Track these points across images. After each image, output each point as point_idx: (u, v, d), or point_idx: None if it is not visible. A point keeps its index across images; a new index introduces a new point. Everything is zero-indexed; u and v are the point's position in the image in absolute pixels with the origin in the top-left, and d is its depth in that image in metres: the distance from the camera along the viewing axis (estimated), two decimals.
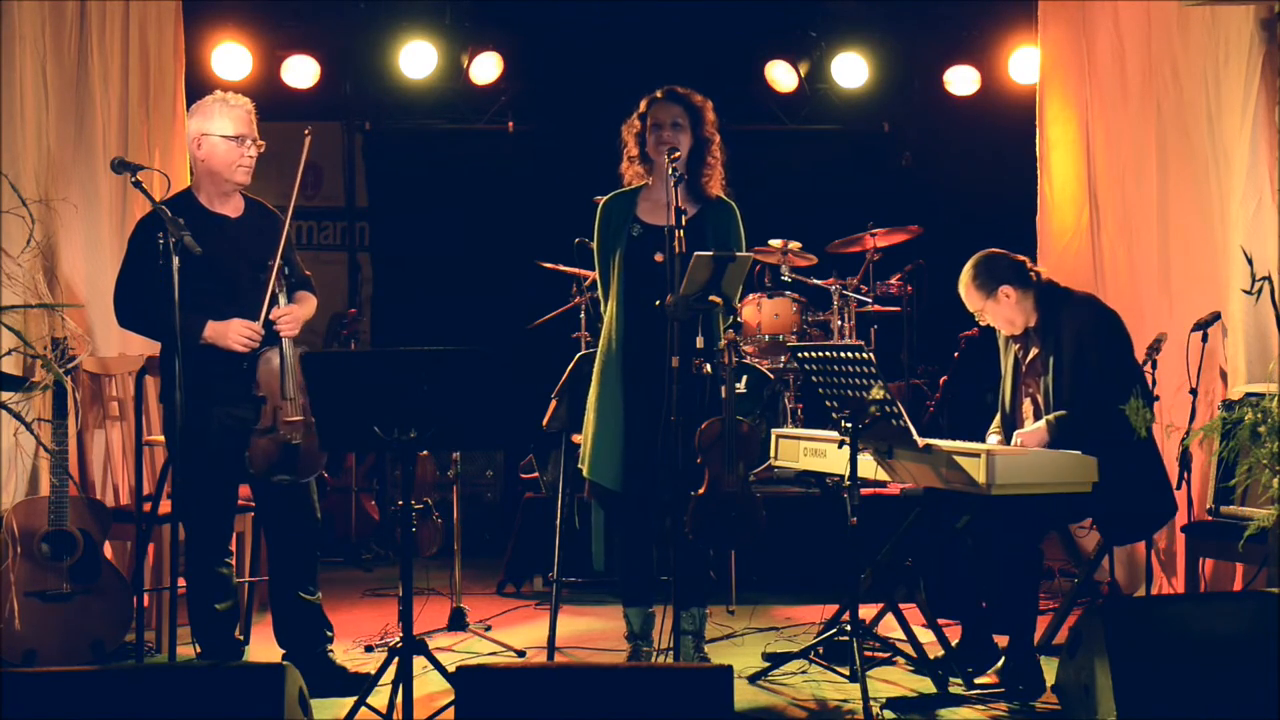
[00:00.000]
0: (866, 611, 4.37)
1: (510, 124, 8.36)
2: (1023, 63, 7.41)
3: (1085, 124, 6.01)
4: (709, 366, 4.28)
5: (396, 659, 3.76)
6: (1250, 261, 3.97)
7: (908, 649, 4.40)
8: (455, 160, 8.57)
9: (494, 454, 7.63)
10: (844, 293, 6.96)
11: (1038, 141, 6.30)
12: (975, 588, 4.47)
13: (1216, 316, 4.94)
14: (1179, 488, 4.87)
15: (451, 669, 3.72)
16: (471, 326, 7.63)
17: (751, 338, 6.68)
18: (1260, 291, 3.90)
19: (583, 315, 6.82)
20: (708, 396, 4.36)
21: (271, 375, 4.31)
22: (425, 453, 7.19)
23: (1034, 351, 4.50)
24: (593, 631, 5.28)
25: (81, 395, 5.13)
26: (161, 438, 4.90)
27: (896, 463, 4.32)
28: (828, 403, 4.29)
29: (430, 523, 6.99)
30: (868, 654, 4.38)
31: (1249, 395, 4.34)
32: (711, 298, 4.18)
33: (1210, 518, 4.69)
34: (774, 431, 4.93)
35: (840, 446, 4.14)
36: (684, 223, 4.17)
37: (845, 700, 4.19)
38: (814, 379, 4.34)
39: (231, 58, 7.32)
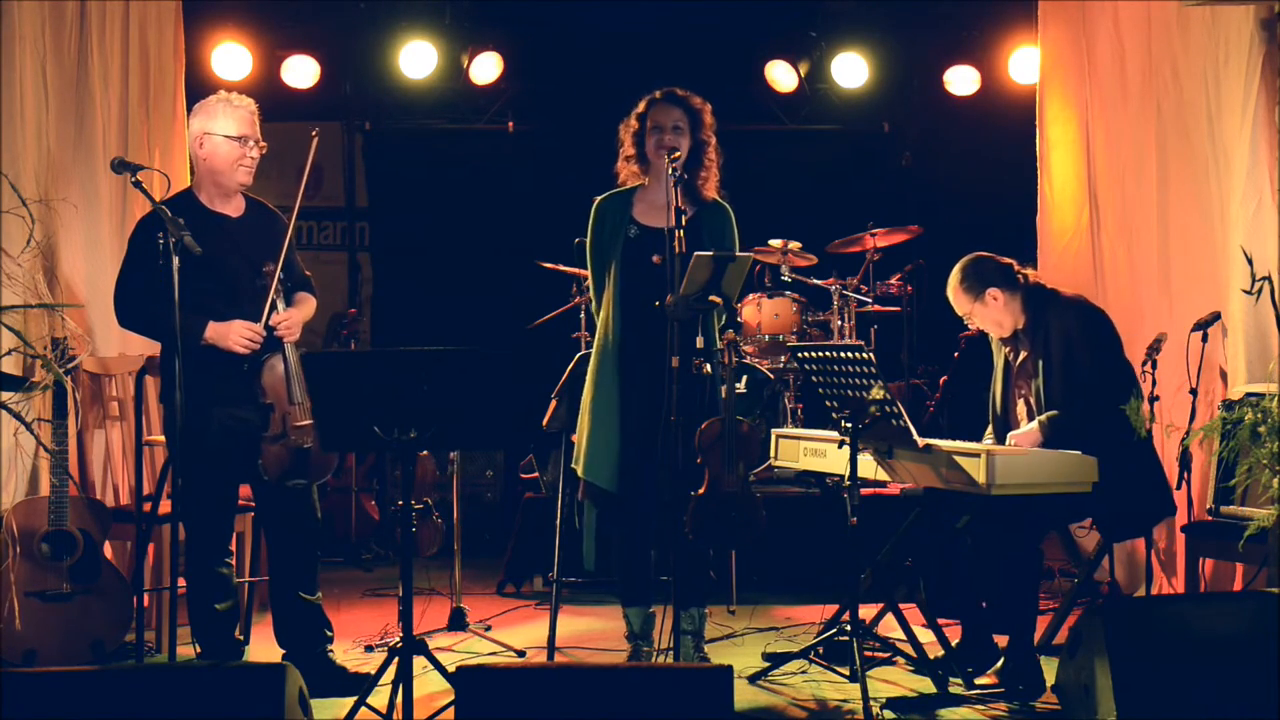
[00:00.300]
0: (866, 611, 4.37)
1: (510, 124, 8.36)
2: (1023, 63, 7.41)
3: (1085, 124, 6.01)
4: (709, 366, 4.28)
5: (396, 659, 3.76)
6: (1250, 261, 3.97)
7: (908, 649, 4.40)
8: (455, 160, 8.57)
9: (494, 454, 7.63)
10: (844, 293, 6.96)
11: (1038, 141, 6.30)
12: (975, 588, 4.47)
13: (1216, 316, 4.94)
14: (1179, 488, 4.87)
15: (451, 669, 3.72)
16: (471, 326, 7.63)
17: (751, 338, 6.68)
18: (1260, 291, 3.91)
19: (583, 315, 6.82)
20: (707, 396, 4.36)
21: (277, 381, 4.30)
22: (425, 453, 7.19)
23: (1024, 354, 4.51)
24: (593, 631, 5.28)
25: (81, 395, 5.13)
26: (161, 438, 4.90)
27: (896, 463, 4.32)
28: (828, 403, 4.29)
29: (430, 523, 6.99)
30: (868, 654, 4.38)
31: (1249, 395, 4.34)
32: (711, 298, 4.19)
33: (1210, 518, 4.69)
34: (774, 431, 4.93)
35: (840, 446, 4.14)
36: (684, 223, 4.17)
37: (845, 700, 4.19)
38: (814, 379, 4.34)
39: (231, 58, 7.32)
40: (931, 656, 4.36)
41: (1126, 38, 5.67)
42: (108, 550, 4.88)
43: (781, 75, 7.98)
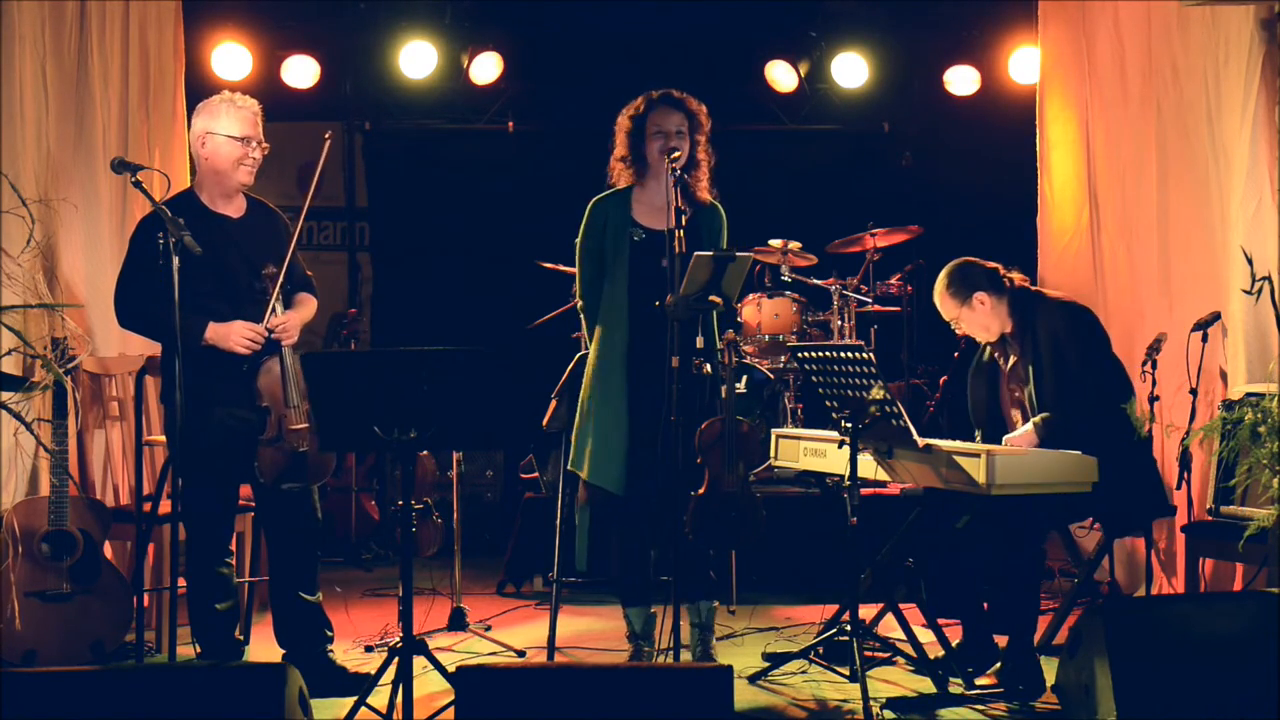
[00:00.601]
0: (866, 611, 4.37)
1: (510, 124, 8.36)
2: (1023, 63, 7.41)
3: (1085, 124, 6.01)
4: (709, 366, 4.28)
5: (396, 659, 3.76)
6: (1250, 261, 3.97)
7: (908, 649, 4.40)
8: (455, 160, 8.57)
9: (494, 454, 7.62)
10: (844, 293, 6.96)
11: (1038, 141, 6.30)
12: (975, 588, 4.47)
13: (1216, 316, 4.94)
14: (1179, 488, 4.87)
15: (451, 669, 3.72)
16: (471, 326, 7.63)
17: (751, 338, 6.68)
18: (1260, 291, 3.91)
19: (583, 315, 6.81)
20: (707, 396, 4.36)
21: (273, 384, 4.30)
22: (425, 453, 7.19)
23: (1014, 358, 4.51)
24: (593, 631, 5.28)
25: (81, 395, 5.13)
26: (162, 438, 4.90)
27: (896, 463, 4.32)
28: (828, 403, 4.29)
29: (430, 523, 6.99)
30: (868, 654, 4.38)
31: (1249, 395, 4.34)
32: (711, 298, 4.19)
33: (1210, 518, 4.69)
34: (774, 431, 4.93)
35: (840, 446, 4.13)
36: (684, 223, 4.18)
37: (845, 700, 4.19)
38: (814, 379, 4.34)
39: (231, 58, 7.32)
40: (931, 656, 4.36)
41: (1126, 38, 5.67)
42: (108, 550, 4.88)
43: (781, 75, 7.98)
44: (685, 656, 4.33)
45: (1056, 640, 4.64)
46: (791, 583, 5.88)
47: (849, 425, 4.10)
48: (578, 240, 4.57)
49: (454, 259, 8.49)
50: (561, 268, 6.90)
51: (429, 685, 4.14)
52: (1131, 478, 4.34)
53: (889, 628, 4.58)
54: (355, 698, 3.85)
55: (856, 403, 4.11)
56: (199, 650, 4.48)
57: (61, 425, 4.62)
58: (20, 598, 4.52)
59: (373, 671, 3.96)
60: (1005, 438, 4.43)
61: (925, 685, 4.27)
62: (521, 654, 4.88)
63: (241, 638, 4.69)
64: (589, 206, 4.55)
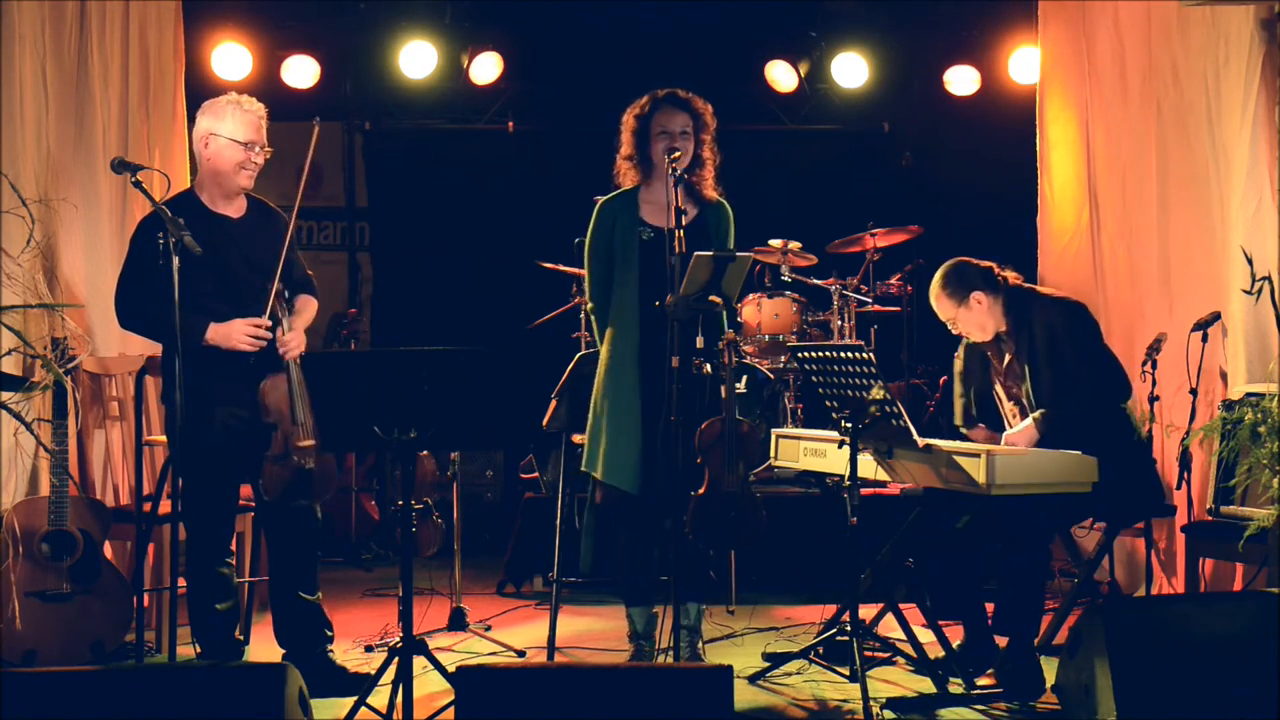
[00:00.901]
0: (866, 611, 4.37)
1: (510, 124, 8.36)
2: (1023, 63, 7.41)
3: (1085, 124, 6.01)
4: (709, 366, 4.28)
5: (396, 659, 3.76)
6: (1250, 261, 3.98)
7: (908, 649, 4.40)
8: (455, 160, 8.57)
9: (494, 454, 7.62)
10: (844, 293, 6.96)
11: (1038, 141, 6.30)
12: (975, 588, 4.47)
13: (1216, 316, 4.94)
14: (1179, 488, 4.87)
15: (451, 669, 3.72)
16: (471, 326, 7.63)
17: (751, 338, 6.68)
18: (1260, 291, 3.91)
19: (583, 315, 6.82)
20: (707, 396, 4.36)
21: (280, 401, 4.28)
22: (425, 453, 7.19)
23: (1009, 356, 4.51)
24: (593, 631, 5.28)
25: (81, 395, 5.13)
26: (162, 438, 4.90)
27: (896, 463, 4.32)
28: (828, 403, 4.29)
29: (430, 523, 6.99)
30: (868, 654, 4.38)
31: (1249, 395, 4.34)
32: (711, 298, 4.19)
33: (1210, 518, 4.69)
34: (774, 431, 4.92)
35: (840, 446, 4.13)
36: (684, 223, 4.19)
37: (845, 700, 4.19)
38: (814, 379, 4.34)
39: (231, 58, 7.32)
40: (931, 656, 4.36)
41: (1126, 38, 5.67)
42: (108, 550, 4.88)
43: (781, 75, 7.98)
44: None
45: (1056, 640, 4.64)
46: (791, 583, 5.87)
47: (849, 425, 4.10)
48: (586, 241, 4.57)
49: (454, 259, 8.49)
50: (561, 268, 6.90)
51: (429, 685, 4.13)
52: (1131, 477, 4.34)
53: (889, 628, 4.58)
54: (355, 698, 3.85)
55: (856, 403, 4.11)
56: (199, 650, 4.47)
57: (61, 425, 4.61)
58: (20, 598, 4.52)
59: (373, 671, 3.96)
60: (1004, 435, 4.43)
61: (925, 685, 4.27)
62: (521, 654, 4.88)
63: (241, 638, 4.69)
64: (597, 207, 4.55)
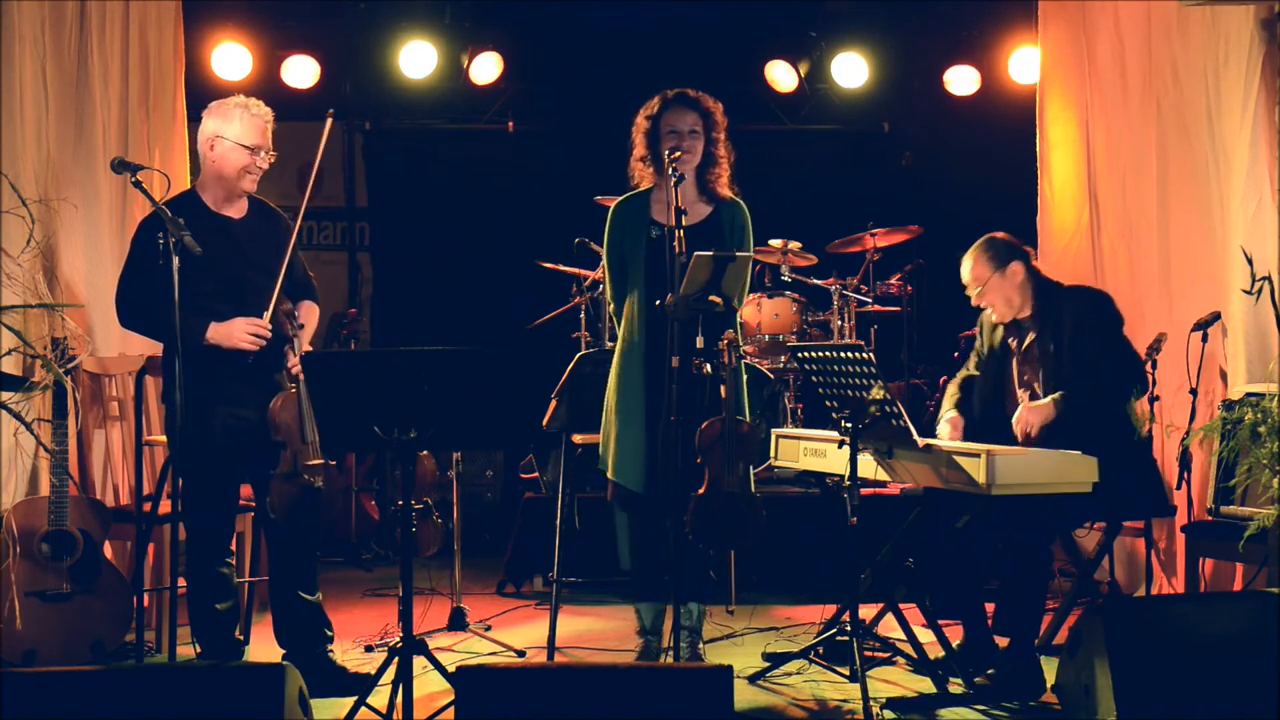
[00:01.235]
0: (866, 611, 4.37)
1: (510, 124, 8.37)
2: (1023, 63, 7.41)
3: (1085, 124, 6.01)
4: (709, 366, 4.28)
5: (396, 659, 3.76)
6: (1250, 261, 3.97)
7: (908, 649, 4.40)
8: (455, 160, 8.58)
9: (494, 454, 7.63)
10: (844, 293, 6.96)
11: (1038, 141, 6.30)
12: (976, 588, 4.47)
13: (1216, 316, 4.94)
14: (1179, 488, 4.87)
15: (451, 669, 3.72)
16: (471, 326, 7.64)
17: (751, 338, 6.68)
18: (1260, 291, 3.91)
19: (583, 315, 6.82)
20: (707, 396, 4.36)
21: (291, 420, 4.27)
22: (425, 453, 7.20)
23: (1030, 338, 4.51)
24: (592, 631, 5.28)
25: (81, 395, 5.13)
26: (162, 438, 4.90)
27: (896, 463, 4.32)
28: (828, 403, 4.29)
29: (430, 523, 6.99)
30: (868, 654, 4.38)
31: (1249, 395, 4.34)
32: (712, 298, 4.19)
33: (1210, 518, 4.69)
34: (774, 431, 4.92)
35: (840, 446, 4.13)
36: (688, 223, 4.21)
37: (845, 700, 4.19)
38: (814, 379, 4.34)
39: (231, 58, 7.32)
40: (931, 656, 4.36)
41: (1126, 38, 5.67)
42: (108, 550, 4.88)
43: (781, 75, 7.98)
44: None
45: (1056, 640, 4.64)
46: (791, 583, 5.87)
47: (849, 425, 4.10)
48: (603, 245, 4.58)
49: (454, 259, 8.50)
50: (561, 268, 6.90)
51: (429, 685, 4.13)
52: (1133, 476, 4.34)
53: (889, 628, 4.58)
54: (355, 698, 3.85)
55: (856, 403, 4.11)
56: (199, 650, 4.48)
57: (61, 425, 4.61)
58: (20, 598, 4.51)
59: (373, 671, 3.96)
60: (1023, 406, 4.43)
61: (925, 685, 4.27)
62: (521, 654, 4.88)
63: (241, 638, 4.70)
64: (611, 210, 4.56)
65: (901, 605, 4.48)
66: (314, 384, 3.83)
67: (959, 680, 4.27)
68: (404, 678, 3.70)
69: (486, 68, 7.84)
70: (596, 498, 5.64)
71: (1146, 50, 5.51)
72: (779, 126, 8.42)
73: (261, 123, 4.39)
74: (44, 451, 4.51)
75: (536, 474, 6.70)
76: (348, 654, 4.78)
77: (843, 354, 4.17)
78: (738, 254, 4.27)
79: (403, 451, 3.77)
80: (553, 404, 4.88)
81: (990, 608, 4.48)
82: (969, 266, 4.56)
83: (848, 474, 4.10)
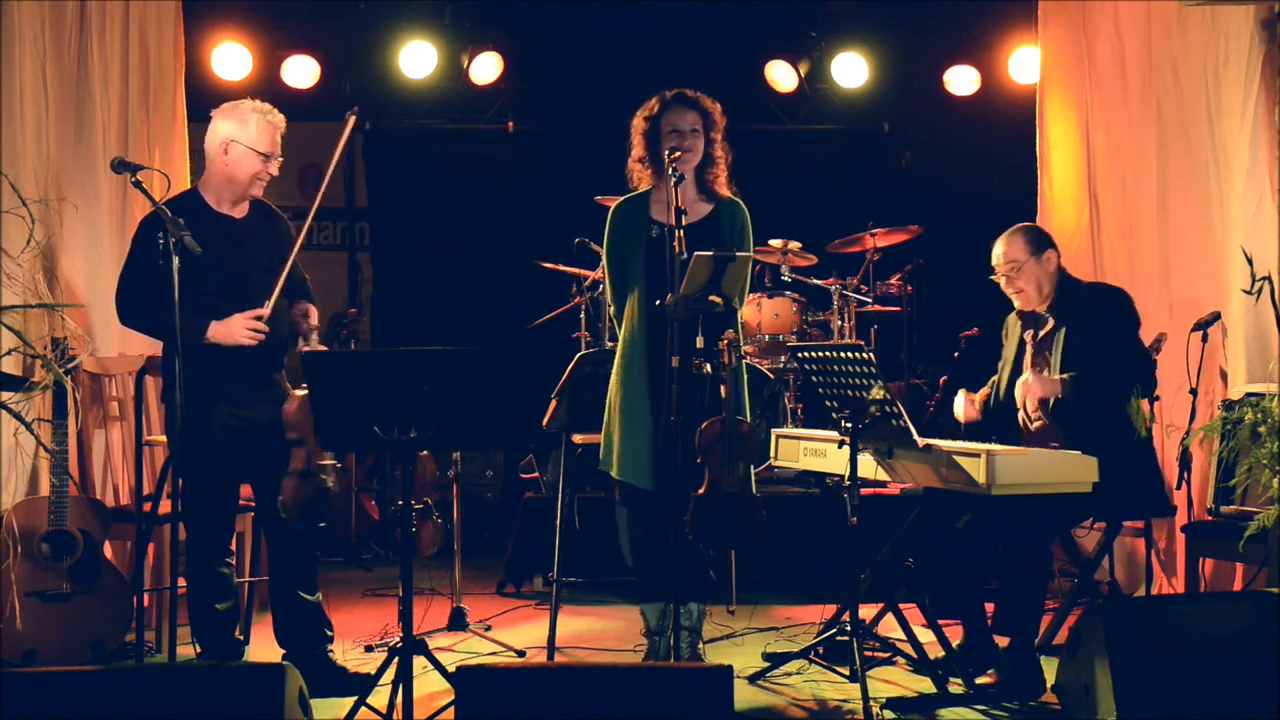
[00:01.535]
0: (866, 611, 4.37)
1: (510, 124, 8.37)
2: (1023, 63, 7.41)
3: (1085, 124, 6.01)
4: (709, 366, 4.28)
5: (396, 659, 3.76)
6: (1250, 261, 3.97)
7: (908, 649, 4.40)
8: (455, 160, 8.58)
9: (494, 454, 7.63)
10: (844, 293, 6.96)
11: (1038, 141, 6.30)
12: (975, 588, 4.47)
13: (1216, 316, 4.95)
14: (1179, 488, 4.87)
15: (451, 669, 3.72)
16: (471, 326, 7.63)
17: (751, 338, 6.68)
18: (1260, 291, 3.91)
19: (583, 315, 6.82)
20: (707, 396, 4.36)
21: (304, 417, 4.27)
22: (425, 453, 7.20)
23: (1047, 328, 4.52)
24: (592, 631, 5.29)
25: (81, 395, 5.13)
26: (162, 438, 4.90)
27: (896, 463, 4.32)
28: (828, 403, 4.29)
29: (430, 523, 6.99)
30: (868, 654, 4.38)
31: (1249, 395, 4.34)
32: (711, 298, 4.19)
33: (1210, 518, 4.69)
34: (774, 431, 4.92)
35: (840, 446, 4.13)
36: (687, 223, 4.21)
37: (845, 700, 4.19)
38: (814, 379, 4.34)
39: (231, 58, 7.32)
40: (931, 656, 4.36)
41: (1126, 38, 5.67)
42: (108, 550, 4.88)
43: (781, 75, 7.98)
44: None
45: (1056, 640, 4.64)
46: (791, 583, 5.87)
47: (849, 425, 4.10)
48: (603, 246, 4.58)
49: (454, 259, 8.50)
50: (561, 268, 6.90)
51: (429, 685, 4.13)
52: (1135, 475, 4.35)
53: (889, 628, 4.58)
54: (355, 698, 3.85)
55: (856, 403, 4.11)
56: (199, 650, 4.48)
57: (61, 425, 4.62)
58: (20, 598, 4.52)
59: (373, 671, 3.96)
60: (1030, 372, 4.44)
61: (925, 685, 4.27)
62: (521, 654, 4.88)
63: (241, 638, 4.69)
64: (610, 212, 4.56)
65: (901, 605, 4.48)
66: (314, 384, 3.83)
67: (959, 680, 4.27)
68: (404, 678, 3.70)
69: (486, 68, 7.84)
70: (596, 498, 5.65)
71: (1146, 50, 5.52)
72: (779, 126, 8.42)
73: (276, 130, 4.41)
74: (44, 451, 4.51)
75: (536, 474, 6.70)
76: (348, 654, 4.77)
77: (843, 354, 4.17)
78: (738, 254, 4.27)
79: (403, 451, 3.78)
80: (553, 404, 4.88)
81: (990, 608, 4.48)
82: (1003, 249, 4.56)
83: (848, 474, 4.10)
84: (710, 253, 4.18)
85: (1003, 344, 4.77)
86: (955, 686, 4.24)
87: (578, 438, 4.93)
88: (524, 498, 6.37)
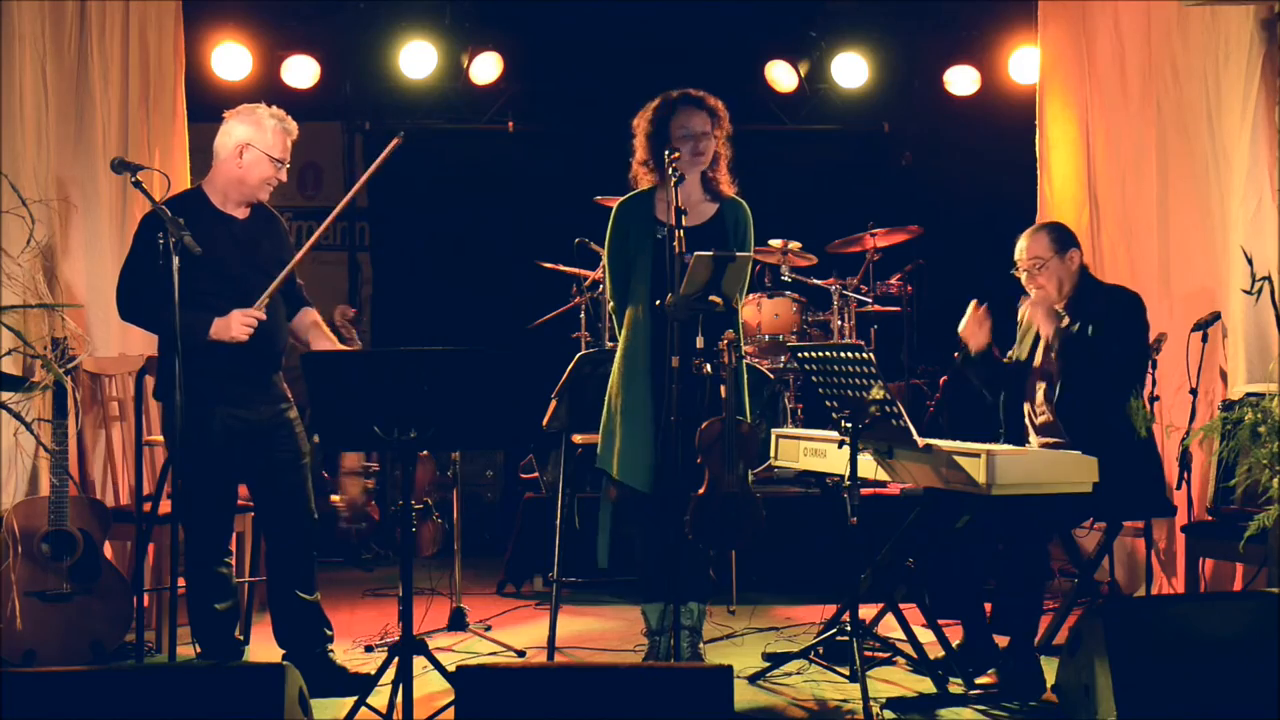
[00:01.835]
0: (866, 611, 4.37)
1: (510, 124, 8.36)
2: (1023, 63, 7.42)
3: (1085, 124, 6.02)
4: (709, 366, 4.28)
5: (396, 659, 3.76)
6: (1250, 261, 3.97)
7: (908, 649, 4.40)
8: (455, 160, 8.57)
9: (494, 454, 7.63)
10: (844, 293, 6.97)
11: (1038, 141, 6.30)
12: (975, 588, 4.47)
13: (1216, 316, 4.95)
14: (1179, 488, 4.87)
15: (451, 669, 3.72)
16: (471, 326, 7.63)
17: (751, 338, 6.68)
18: (1260, 291, 3.91)
19: (583, 315, 6.82)
20: (707, 396, 4.36)
21: None
22: (425, 453, 7.20)
23: (1063, 323, 4.52)
24: (593, 631, 5.29)
25: (81, 395, 5.13)
26: (162, 437, 4.90)
27: (896, 463, 4.32)
28: (828, 403, 4.29)
29: (430, 523, 6.99)
30: (868, 654, 4.38)
31: (1249, 395, 4.34)
32: (712, 298, 4.19)
33: (1210, 518, 4.69)
34: (774, 431, 4.92)
35: (840, 446, 4.13)
36: (686, 223, 4.21)
37: (845, 700, 4.19)
38: (814, 379, 4.34)
39: (231, 58, 7.33)
40: (931, 656, 4.36)
41: (1126, 38, 5.68)
42: (108, 550, 4.88)
43: (781, 75, 7.98)
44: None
45: (1056, 640, 4.64)
46: (791, 583, 5.88)
47: (849, 425, 4.10)
48: (605, 244, 4.57)
49: (454, 259, 8.50)
50: (561, 268, 6.90)
51: (429, 685, 4.13)
52: (1136, 474, 4.34)
53: (889, 628, 4.58)
54: (355, 698, 3.85)
55: (856, 403, 4.11)
56: (199, 650, 4.48)
57: (61, 425, 4.62)
58: (20, 598, 4.52)
59: (373, 671, 3.96)
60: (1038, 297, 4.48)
61: (925, 685, 4.27)
62: (521, 654, 4.88)
63: (241, 638, 4.69)
64: (614, 210, 4.56)
65: (901, 605, 4.48)
66: (314, 384, 3.83)
67: (959, 680, 4.27)
68: (404, 678, 3.70)
69: (486, 68, 7.85)
70: (596, 498, 5.64)
71: (1146, 50, 5.52)
72: (779, 126, 8.42)
73: (289, 138, 4.43)
74: (44, 451, 4.51)
75: (536, 474, 6.70)
76: (348, 654, 4.78)
77: (843, 354, 4.17)
78: (738, 254, 4.28)
79: (403, 451, 3.78)
80: (553, 404, 4.88)
81: (989, 607, 4.48)
82: (1028, 245, 4.56)
83: (848, 474, 4.10)
84: (710, 253, 4.18)
85: (1017, 327, 4.76)
86: (955, 686, 4.24)
87: (578, 438, 4.93)
88: (524, 498, 6.38)
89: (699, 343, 4.23)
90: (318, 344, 4.54)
